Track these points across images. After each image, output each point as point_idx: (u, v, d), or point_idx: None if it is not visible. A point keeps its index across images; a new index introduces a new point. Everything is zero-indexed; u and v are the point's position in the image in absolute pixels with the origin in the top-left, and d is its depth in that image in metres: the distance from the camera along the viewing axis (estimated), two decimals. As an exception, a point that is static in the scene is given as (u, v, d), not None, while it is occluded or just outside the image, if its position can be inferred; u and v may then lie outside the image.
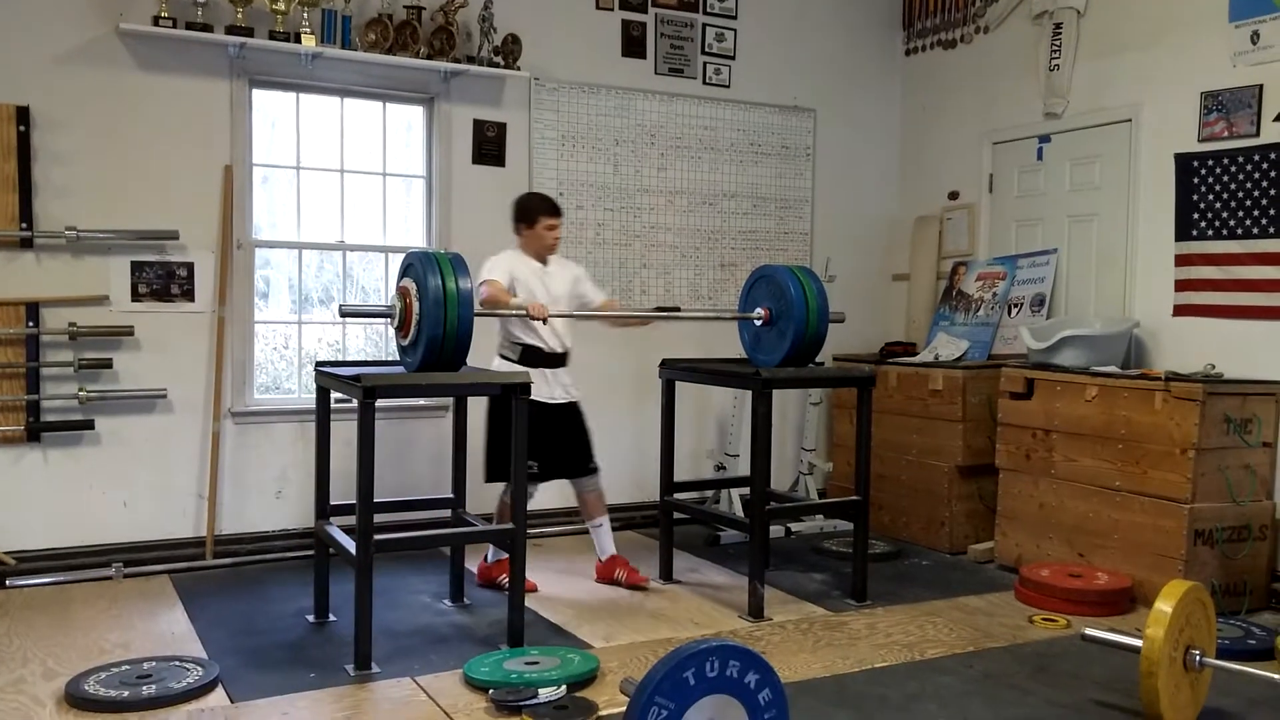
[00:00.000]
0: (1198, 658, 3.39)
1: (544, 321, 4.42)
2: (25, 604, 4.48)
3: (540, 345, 4.68)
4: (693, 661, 2.54)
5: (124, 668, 3.66)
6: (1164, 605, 3.31)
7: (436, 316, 3.79)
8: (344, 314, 4.25)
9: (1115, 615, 4.50)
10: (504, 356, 4.74)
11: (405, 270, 4.04)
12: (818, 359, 6.24)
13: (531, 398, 4.55)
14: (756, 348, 4.93)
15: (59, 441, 4.88)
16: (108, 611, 4.41)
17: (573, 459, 4.83)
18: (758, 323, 4.82)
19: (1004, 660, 4.00)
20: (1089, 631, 3.66)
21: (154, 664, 3.70)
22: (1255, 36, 4.93)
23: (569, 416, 4.81)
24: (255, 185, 5.34)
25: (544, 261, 4.77)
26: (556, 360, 4.75)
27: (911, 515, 5.95)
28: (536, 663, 3.70)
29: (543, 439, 4.66)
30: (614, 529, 5.94)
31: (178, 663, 3.72)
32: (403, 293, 3.96)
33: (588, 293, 4.91)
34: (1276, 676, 3.44)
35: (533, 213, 4.74)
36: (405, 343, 4.01)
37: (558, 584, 4.82)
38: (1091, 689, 3.71)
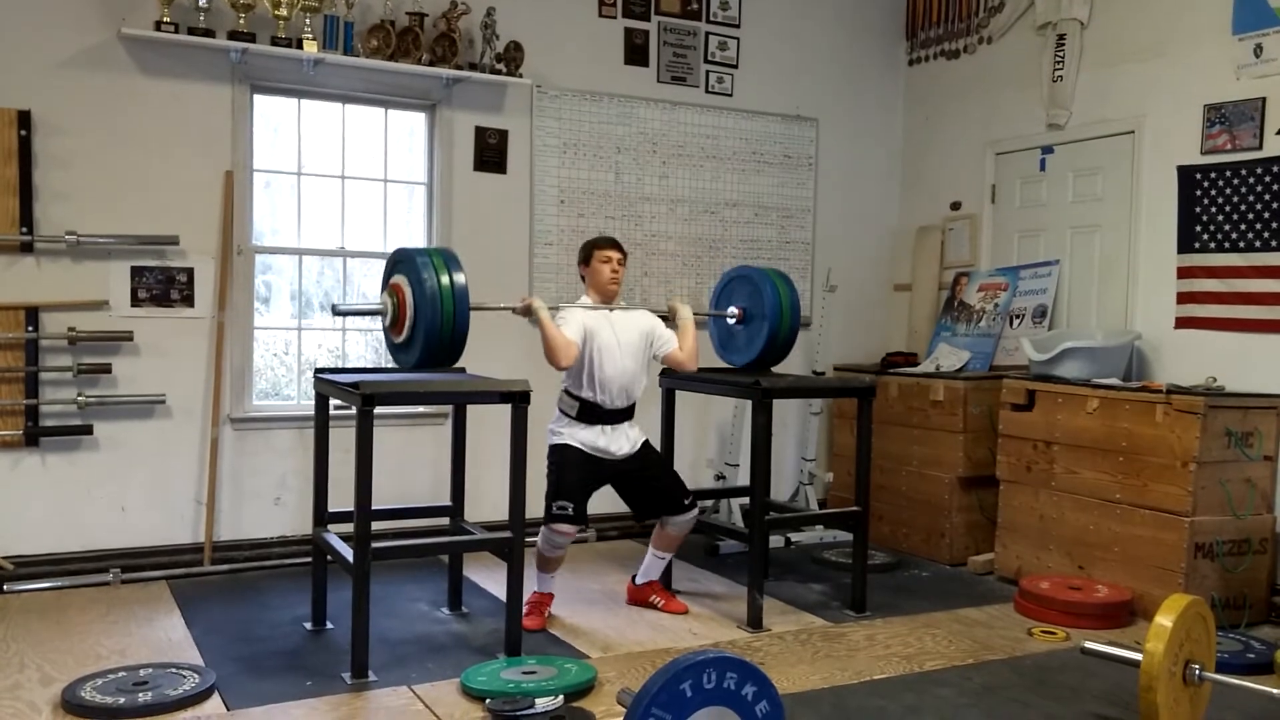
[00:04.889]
0: (1197, 672, 3.37)
1: (516, 311, 4.31)
2: (23, 609, 4.47)
3: (599, 402, 4.45)
4: (690, 673, 2.53)
5: (120, 674, 3.65)
6: (1164, 619, 3.30)
7: (433, 312, 3.74)
8: (337, 313, 4.22)
9: (1115, 628, 4.49)
10: (562, 411, 4.54)
11: (394, 267, 3.98)
12: (819, 369, 6.28)
13: (588, 451, 4.47)
14: (726, 347, 4.96)
15: (57, 446, 4.87)
16: (105, 617, 4.40)
17: (665, 498, 4.60)
18: (731, 320, 4.85)
19: (1003, 673, 3.98)
20: (1088, 645, 3.65)
21: (150, 671, 3.69)
22: (1259, 49, 4.92)
23: (642, 461, 4.59)
24: (256, 191, 5.34)
25: (611, 306, 4.56)
26: (618, 416, 4.52)
27: (911, 526, 5.93)
28: (534, 672, 3.69)
29: (620, 489, 4.60)
30: (612, 538, 6.01)
31: (174, 670, 3.71)
32: (394, 289, 3.91)
33: (662, 338, 4.61)
34: (1276, 691, 3.42)
35: (588, 248, 4.59)
36: (399, 340, 3.95)
37: (556, 593, 4.78)
38: (1091, 702, 3.70)
